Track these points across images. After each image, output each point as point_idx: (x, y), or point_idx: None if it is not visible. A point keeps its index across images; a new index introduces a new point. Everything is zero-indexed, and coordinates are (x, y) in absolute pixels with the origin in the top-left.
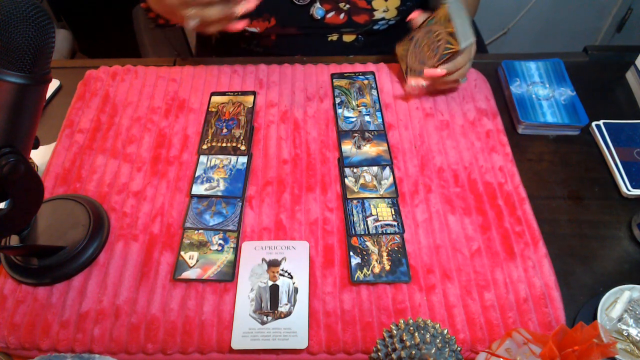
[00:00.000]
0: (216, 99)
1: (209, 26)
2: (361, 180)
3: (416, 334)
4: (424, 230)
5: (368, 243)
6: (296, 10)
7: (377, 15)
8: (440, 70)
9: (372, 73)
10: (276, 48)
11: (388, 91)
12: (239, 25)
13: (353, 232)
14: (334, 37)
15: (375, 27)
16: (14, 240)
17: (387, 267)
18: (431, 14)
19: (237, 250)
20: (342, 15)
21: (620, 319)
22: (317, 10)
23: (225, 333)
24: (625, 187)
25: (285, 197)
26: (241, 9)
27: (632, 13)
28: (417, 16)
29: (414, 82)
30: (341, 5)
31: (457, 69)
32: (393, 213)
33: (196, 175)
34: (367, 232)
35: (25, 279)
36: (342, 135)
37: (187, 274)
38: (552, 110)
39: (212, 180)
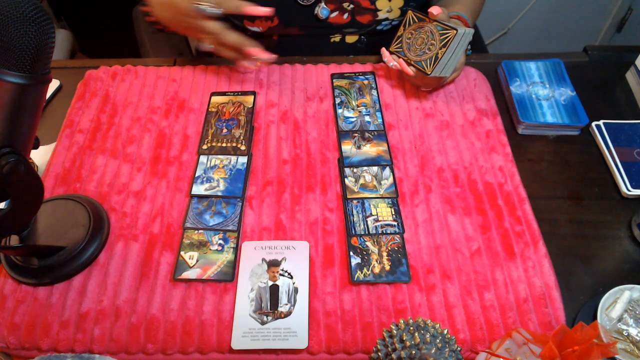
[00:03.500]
0: (216, 99)
1: (224, 51)
2: (361, 180)
3: (416, 334)
4: (424, 230)
5: (368, 243)
6: (300, 10)
7: (381, 15)
8: (408, 70)
9: (372, 73)
10: (278, 49)
11: (388, 91)
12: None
13: (353, 232)
14: (337, 38)
15: (379, 27)
16: (14, 240)
17: (387, 267)
18: (448, 26)
19: (237, 250)
20: (345, 15)
21: (620, 319)
22: (322, 10)
23: (225, 333)
24: (625, 187)
25: (285, 197)
26: (255, 51)
27: (632, 13)
28: (439, 12)
29: (387, 57)
30: (345, 5)
31: (415, 80)
32: (393, 213)
33: (196, 175)
34: (367, 232)
35: (25, 279)
36: (342, 135)
37: (187, 274)
38: (552, 110)
39: (212, 180)
